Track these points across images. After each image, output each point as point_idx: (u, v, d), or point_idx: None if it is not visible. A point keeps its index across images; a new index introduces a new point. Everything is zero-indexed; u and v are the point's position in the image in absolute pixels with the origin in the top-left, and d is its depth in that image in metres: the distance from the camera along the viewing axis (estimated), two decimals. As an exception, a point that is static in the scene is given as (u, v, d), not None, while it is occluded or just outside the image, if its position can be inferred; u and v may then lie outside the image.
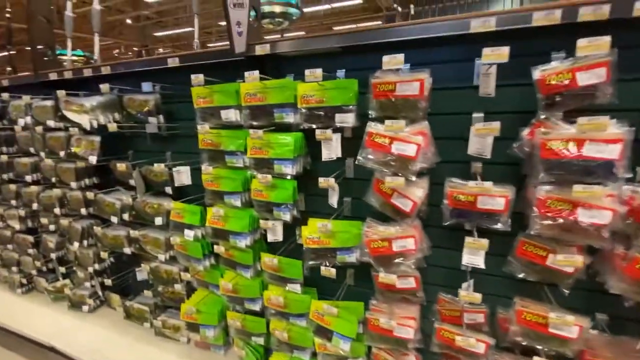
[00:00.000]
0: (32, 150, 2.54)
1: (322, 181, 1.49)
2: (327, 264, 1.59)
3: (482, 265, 1.32)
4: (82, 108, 2.06)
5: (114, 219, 2.27)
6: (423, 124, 1.34)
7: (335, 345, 1.65)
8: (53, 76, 2.33)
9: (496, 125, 1.20)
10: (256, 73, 1.51)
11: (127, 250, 2.35)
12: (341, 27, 13.76)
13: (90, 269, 2.57)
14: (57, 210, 2.53)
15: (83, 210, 2.44)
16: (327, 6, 11.66)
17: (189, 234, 1.95)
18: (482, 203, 1.30)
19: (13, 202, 2.82)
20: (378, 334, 1.62)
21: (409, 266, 1.44)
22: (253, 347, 2.07)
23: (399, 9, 11.21)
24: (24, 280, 3.11)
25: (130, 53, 17.31)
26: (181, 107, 2.13)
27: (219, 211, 1.80)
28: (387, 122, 1.30)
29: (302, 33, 14.90)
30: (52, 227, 2.71)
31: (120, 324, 2.62)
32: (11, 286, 3.14)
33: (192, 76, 1.65)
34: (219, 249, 1.88)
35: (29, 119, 2.38)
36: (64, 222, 2.52)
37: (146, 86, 2.00)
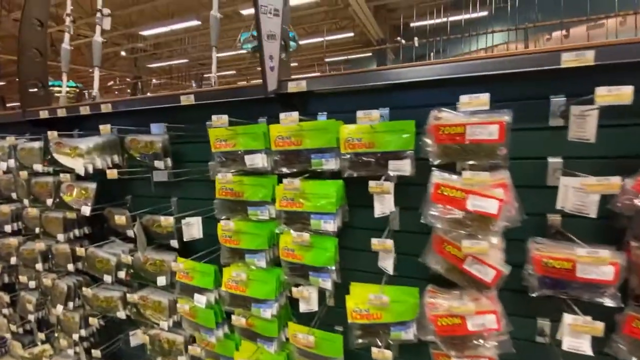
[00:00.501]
0: (14, 196, 2.21)
1: (377, 243, 1.22)
2: (380, 344, 1.28)
3: (589, 352, 1.04)
4: (77, 151, 1.78)
5: (107, 279, 1.93)
6: (503, 173, 1.10)
7: None
8: (44, 114, 2.06)
9: (616, 181, 0.96)
10: (295, 114, 1.27)
11: (122, 314, 1.98)
12: (332, 58, 14.05)
13: (76, 336, 2.17)
14: (39, 266, 2.17)
15: (70, 267, 2.09)
16: (320, 39, 11.93)
17: (200, 300, 1.62)
18: (584, 272, 1.04)
19: (-13, 254, 2.44)
20: None
21: (489, 349, 1.15)
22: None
23: (387, 43, 11.51)
24: (-5, 346, 2.66)
25: (124, 85, 17.29)
26: (190, 149, 1.88)
27: (239, 274, 1.49)
28: (465, 173, 1.06)
29: (295, 64, 15.20)
30: (32, 284, 2.33)
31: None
32: (-22, 353, 2.68)
33: (214, 117, 1.40)
34: (238, 319, 1.56)
35: (12, 162, 2.08)
36: (47, 280, 2.15)
37: (156, 128, 1.75)
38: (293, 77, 1.41)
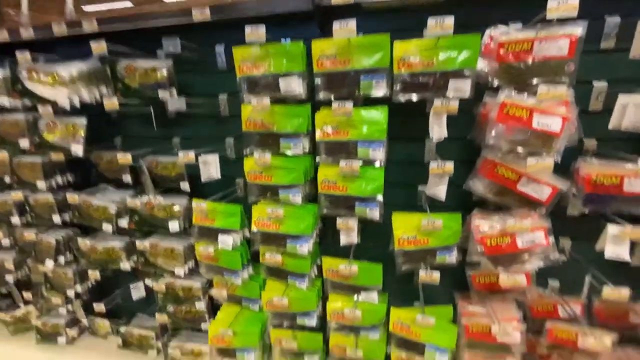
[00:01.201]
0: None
1: (435, 167, 1.19)
2: (426, 268, 1.31)
3: (627, 258, 1.15)
4: (57, 79, 1.47)
5: (108, 228, 1.73)
6: (566, 91, 1.09)
7: (429, 360, 1.40)
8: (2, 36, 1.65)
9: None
10: (352, 24, 1.12)
11: (126, 265, 1.83)
12: None
13: (71, 292, 1.99)
14: (15, 220, 1.89)
15: (56, 218, 1.84)
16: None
17: (226, 242, 1.53)
18: (631, 185, 1.11)
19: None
20: (477, 340, 1.40)
21: (533, 264, 1.22)
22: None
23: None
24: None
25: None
26: (196, 79, 1.65)
27: (275, 211, 1.40)
28: (541, 87, 1.03)
29: None
30: (5, 242, 2.05)
31: (115, 355, 2.10)
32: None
33: (248, 29, 1.20)
34: (273, 257, 1.49)
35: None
36: (29, 234, 1.89)
37: (169, 44, 1.46)
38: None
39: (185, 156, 1.45)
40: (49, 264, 1.87)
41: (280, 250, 1.49)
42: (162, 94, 1.50)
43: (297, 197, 1.40)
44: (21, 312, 2.27)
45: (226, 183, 1.75)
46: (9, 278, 2.13)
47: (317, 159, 1.34)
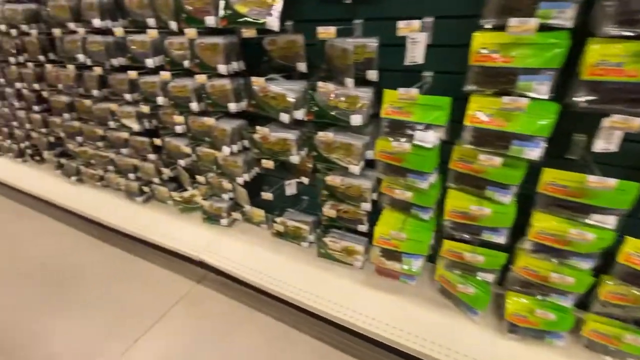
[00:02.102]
0: (150, 21, 1.87)
1: None
2: None
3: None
4: None
5: (284, 117, 1.69)
6: None
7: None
8: None
9: None
10: None
11: (295, 158, 1.82)
12: None
13: (240, 180, 2.13)
14: (194, 106, 1.99)
15: (232, 106, 1.87)
16: None
17: (426, 138, 1.35)
18: None
19: (127, 96, 2.29)
20: None
21: None
22: (478, 284, 1.64)
23: None
24: (145, 188, 2.80)
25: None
26: None
27: (515, 101, 1.14)
28: None
29: None
30: (179, 129, 2.22)
31: (270, 242, 2.30)
32: (128, 195, 2.86)
33: None
34: (490, 160, 1.28)
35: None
36: (208, 120, 1.99)
37: None
38: None
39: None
40: (226, 150, 1.97)
41: (498, 152, 1.26)
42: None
43: (544, 86, 1.10)
44: (189, 194, 2.59)
45: (411, 78, 1.51)
46: (181, 162, 2.37)
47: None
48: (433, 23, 1.31)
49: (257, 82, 1.65)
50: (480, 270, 1.62)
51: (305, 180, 2.07)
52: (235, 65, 1.80)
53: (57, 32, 2.25)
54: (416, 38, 1.26)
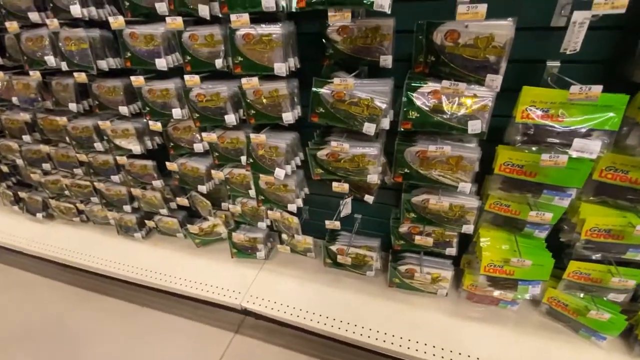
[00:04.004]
0: (160, 6, 1.36)
1: None
2: None
3: None
4: None
5: (370, 129, 1.30)
6: None
7: None
8: None
9: None
10: None
11: (373, 178, 1.45)
12: None
13: (292, 206, 1.70)
14: (229, 118, 1.51)
15: (287, 116, 1.43)
16: None
17: (591, 148, 1.05)
18: None
19: (123, 109, 1.73)
20: None
21: None
22: (609, 307, 1.41)
23: None
24: (149, 222, 2.25)
25: None
26: None
27: None
28: None
29: None
30: (199, 148, 1.73)
31: (324, 275, 1.91)
32: (122, 230, 2.29)
33: None
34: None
35: None
36: (258, 137, 1.53)
37: None
38: None
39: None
40: (280, 173, 1.53)
41: None
42: None
43: None
44: (209, 224, 2.10)
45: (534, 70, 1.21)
46: (202, 188, 1.88)
47: None
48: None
49: (340, 86, 1.23)
50: (613, 292, 1.39)
51: (369, 199, 1.71)
52: (292, 63, 1.37)
53: (11, 26, 1.62)
54: (584, 20, 0.95)
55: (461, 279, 1.69)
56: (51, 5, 1.51)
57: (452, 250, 1.62)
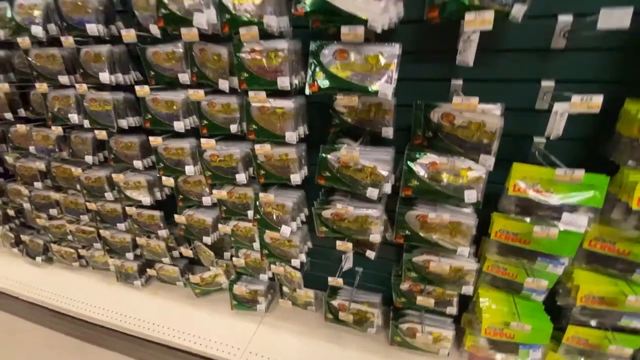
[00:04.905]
0: (183, 77, 1.50)
1: None
2: None
3: None
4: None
5: (373, 194, 1.39)
6: None
7: None
8: None
9: None
10: None
11: (376, 237, 1.51)
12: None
13: (296, 262, 1.74)
14: (240, 177, 1.60)
15: (295, 178, 1.53)
16: None
17: (578, 222, 1.14)
18: None
19: (137, 163, 1.82)
20: None
21: None
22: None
23: None
24: (150, 270, 2.25)
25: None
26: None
27: None
28: None
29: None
30: (207, 201, 1.80)
31: (325, 330, 1.90)
32: (122, 277, 2.28)
33: None
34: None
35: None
36: (267, 196, 1.61)
37: None
38: None
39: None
40: (285, 230, 1.59)
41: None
42: None
43: None
44: (211, 274, 2.11)
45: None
46: (207, 239, 1.92)
47: None
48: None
49: (346, 156, 1.34)
50: (612, 358, 1.41)
51: (371, 254, 1.75)
52: (302, 131, 1.49)
53: (41, 87, 1.75)
54: (564, 112, 1.08)
55: (462, 338, 1.69)
56: (81, 70, 1.65)
57: (452, 310, 1.64)
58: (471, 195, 1.29)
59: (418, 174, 1.34)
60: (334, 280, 1.70)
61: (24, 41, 1.64)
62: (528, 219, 1.20)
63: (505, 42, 1.26)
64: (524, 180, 1.21)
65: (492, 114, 1.11)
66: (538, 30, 1.20)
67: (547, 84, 1.26)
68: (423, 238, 1.43)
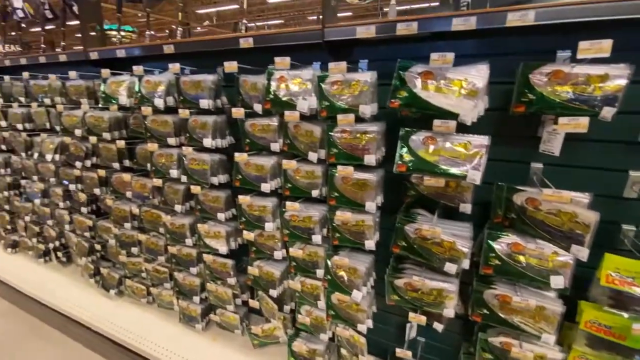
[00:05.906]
0: (274, 146, 1.70)
1: None
2: None
3: None
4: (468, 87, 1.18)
5: (451, 269, 1.42)
6: None
7: None
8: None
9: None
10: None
11: (449, 312, 1.50)
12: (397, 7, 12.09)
13: (362, 327, 1.76)
14: (316, 238, 1.71)
15: (369, 244, 1.60)
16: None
17: None
18: None
19: (221, 215, 2.01)
20: None
21: None
22: None
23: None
24: (213, 316, 2.35)
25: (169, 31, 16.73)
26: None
27: None
28: None
29: (349, 13, 13.38)
30: (278, 255, 1.91)
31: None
32: (185, 319, 2.39)
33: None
34: None
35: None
36: (341, 260, 1.69)
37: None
38: None
39: None
40: (357, 295, 1.63)
41: None
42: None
43: None
44: (271, 326, 2.16)
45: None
46: (273, 292, 2.00)
47: None
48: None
49: (428, 231, 1.40)
50: None
51: (438, 327, 1.72)
52: (379, 200, 1.59)
53: (152, 146, 2.06)
54: None
55: None
56: (187, 134, 1.93)
57: (531, 400, 1.52)
58: (558, 281, 1.28)
59: (499, 254, 1.35)
60: (402, 352, 1.67)
61: (145, 109, 1.97)
62: (626, 315, 1.15)
63: (591, 133, 1.31)
64: (617, 272, 1.18)
65: (584, 209, 1.13)
66: (625, 123, 1.25)
67: (636, 174, 1.28)
68: (503, 319, 1.40)
